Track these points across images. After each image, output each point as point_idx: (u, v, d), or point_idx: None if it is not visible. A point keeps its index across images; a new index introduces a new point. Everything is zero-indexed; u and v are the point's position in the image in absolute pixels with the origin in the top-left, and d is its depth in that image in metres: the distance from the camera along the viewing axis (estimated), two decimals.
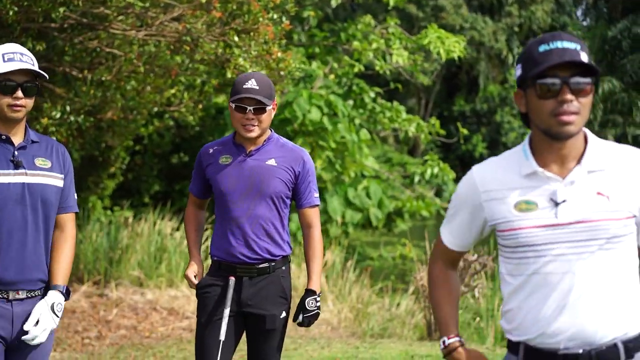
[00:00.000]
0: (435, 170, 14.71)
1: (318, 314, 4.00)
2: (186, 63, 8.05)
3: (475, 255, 9.23)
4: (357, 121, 14.56)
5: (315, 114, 12.92)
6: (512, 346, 2.62)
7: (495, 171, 2.64)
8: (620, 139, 38.52)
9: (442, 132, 15.73)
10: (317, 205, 4.09)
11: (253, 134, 3.92)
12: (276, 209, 3.97)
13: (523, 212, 2.54)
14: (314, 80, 14.48)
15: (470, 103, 38.49)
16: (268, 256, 3.97)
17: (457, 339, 2.72)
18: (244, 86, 3.87)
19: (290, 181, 3.99)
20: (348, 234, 14.37)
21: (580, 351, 2.48)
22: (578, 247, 2.48)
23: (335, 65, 14.96)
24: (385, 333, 9.45)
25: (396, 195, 17.25)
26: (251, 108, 3.86)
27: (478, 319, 9.53)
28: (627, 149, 2.58)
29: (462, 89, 38.74)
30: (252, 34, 7.25)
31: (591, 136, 2.59)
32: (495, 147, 38.18)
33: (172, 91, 9.05)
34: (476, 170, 2.68)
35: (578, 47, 2.47)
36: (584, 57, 2.44)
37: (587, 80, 2.44)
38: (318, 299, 3.97)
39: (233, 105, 3.91)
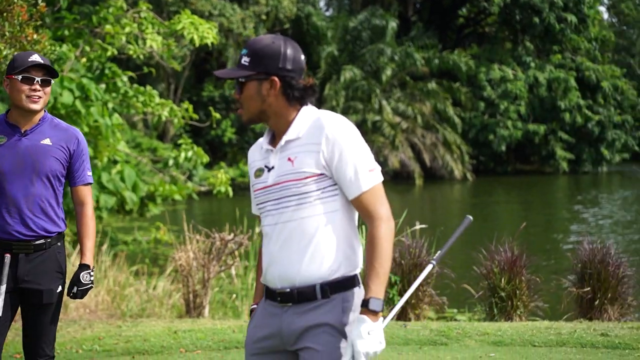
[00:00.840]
0: (190, 154, 14.95)
1: (91, 287, 4.17)
2: None
3: (232, 235, 9.62)
4: (110, 105, 14.46)
5: (67, 98, 12.68)
6: (265, 292, 3.19)
7: (254, 148, 3.23)
8: (361, 124, 40.76)
9: (196, 116, 16.00)
10: (91, 184, 4.24)
11: (38, 106, 4.05)
12: (52, 187, 4.09)
13: (256, 177, 3.13)
14: (64, 63, 14.19)
15: (219, 89, 38.97)
16: (44, 233, 4.09)
17: None
18: (30, 59, 4.02)
19: (65, 160, 4.12)
20: (102, 218, 14.26)
21: (288, 290, 3.01)
22: (277, 204, 3.03)
23: (88, 48, 14.75)
24: (144, 313, 9.60)
25: (147, 180, 17.30)
26: (39, 79, 4.03)
27: (234, 296, 9.94)
28: (321, 117, 3.02)
29: (211, 74, 39.08)
30: (5, 14, 7.12)
31: (306, 109, 3.06)
32: (244, 132, 39.00)
33: None
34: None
35: None
36: None
37: None
38: (92, 273, 4.15)
39: (19, 77, 4.01)
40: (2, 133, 4.09)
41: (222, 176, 15.35)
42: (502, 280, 8.61)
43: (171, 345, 6.85)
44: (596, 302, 8.65)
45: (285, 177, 2.99)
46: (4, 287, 3.95)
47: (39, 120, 4.13)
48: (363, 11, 44.44)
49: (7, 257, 4.00)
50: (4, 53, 7.01)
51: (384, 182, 3.02)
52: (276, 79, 3.00)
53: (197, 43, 14.50)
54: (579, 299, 8.82)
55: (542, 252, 14.78)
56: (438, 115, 42.97)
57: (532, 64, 46.09)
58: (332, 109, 40.41)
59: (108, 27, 14.65)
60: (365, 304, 2.89)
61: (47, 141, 4.10)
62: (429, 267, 3.54)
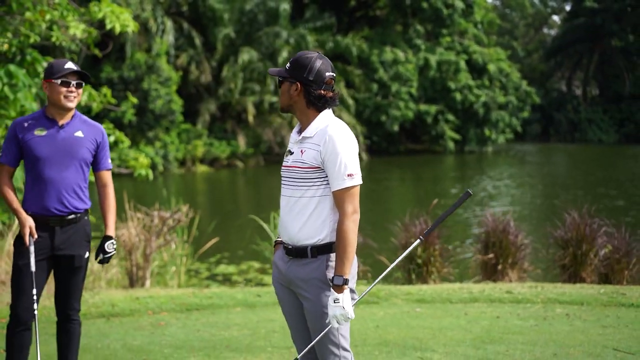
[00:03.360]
0: (112, 138, 15.47)
1: (114, 254, 5.04)
2: None
3: (169, 212, 10.43)
4: (33, 90, 14.86)
5: None
6: (276, 244, 4.22)
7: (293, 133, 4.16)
8: (259, 106, 41.62)
9: (114, 101, 16.55)
10: (111, 169, 5.10)
11: (73, 104, 4.91)
12: (82, 172, 4.94)
13: (285, 156, 4.10)
14: None
15: (118, 70, 39.01)
16: (75, 210, 4.94)
17: None
18: (66, 66, 4.89)
19: (93, 150, 4.98)
20: None
21: (290, 246, 4.01)
22: (291, 182, 4.02)
23: (10, 35, 15.06)
24: (88, 286, 10.31)
25: None
26: (74, 82, 4.88)
27: (174, 268, 10.77)
28: (328, 124, 3.98)
29: (109, 55, 39.04)
30: None
31: (324, 115, 4.01)
32: (143, 114, 39.15)
33: None
34: None
35: None
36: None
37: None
38: (114, 242, 5.02)
39: (58, 81, 4.83)
40: (42, 126, 4.90)
41: (142, 159, 15.98)
42: (419, 249, 9.74)
43: (139, 309, 7.70)
44: (499, 267, 9.90)
45: (296, 163, 3.97)
46: (32, 247, 4.75)
47: (72, 116, 4.95)
48: None
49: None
50: None
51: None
52: (299, 84, 3.94)
53: (118, 30, 15.04)
54: (484, 264, 10.05)
55: (451, 223, 16.02)
56: None
57: (423, 47, 47.88)
58: (230, 91, 41.14)
59: (29, 14, 15.02)
60: (331, 280, 3.88)
61: (79, 134, 4.96)
62: (416, 242, 4.45)
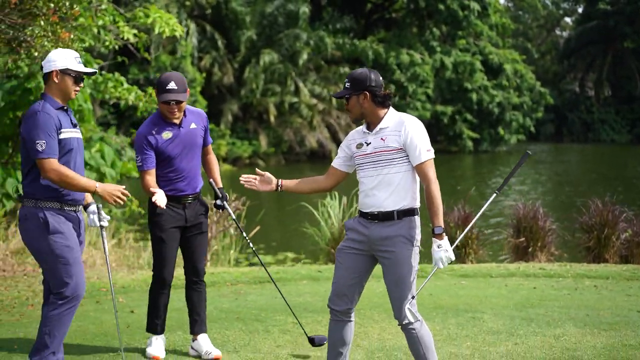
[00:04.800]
0: None
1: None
2: None
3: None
4: (88, 90, 15.96)
5: None
6: (359, 212, 5.20)
7: (354, 132, 5.24)
8: (279, 106, 42.70)
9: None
10: (212, 142, 6.24)
11: (176, 119, 5.90)
12: (199, 155, 6.01)
13: (357, 149, 5.14)
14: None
15: (144, 72, 40.12)
16: (198, 189, 6.05)
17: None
18: (167, 87, 5.76)
19: (203, 132, 6.08)
20: None
21: (376, 212, 5.00)
22: (373, 164, 5.04)
23: (91, 40, 16.13)
24: None
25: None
26: (173, 102, 5.80)
27: (231, 251, 11.84)
28: (401, 116, 5.08)
29: (135, 57, 40.13)
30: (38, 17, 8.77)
31: (391, 112, 5.08)
32: None
33: None
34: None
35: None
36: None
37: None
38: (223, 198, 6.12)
39: (161, 100, 5.81)
40: (167, 129, 5.89)
41: None
42: (457, 232, 10.77)
43: (218, 281, 8.93)
44: (529, 249, 10.93)
45: (379, 149, 5.01)
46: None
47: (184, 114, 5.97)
48: None
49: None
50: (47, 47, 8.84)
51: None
52: (366, 92, 5.02)
53: (167, 35, 16.13)
54: (515, 247, 11.08)
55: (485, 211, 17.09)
56: None
57: (439, 49, 48.91)
58: (252, 91, 42.23)
59: (82, 19, 16.11)
60: (433, 231, 4.92)
61: (193, 125, 6.00)
62: (492, 196, 5.53)
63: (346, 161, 5.24)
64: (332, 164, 5.32)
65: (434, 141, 51.30)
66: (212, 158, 6.26)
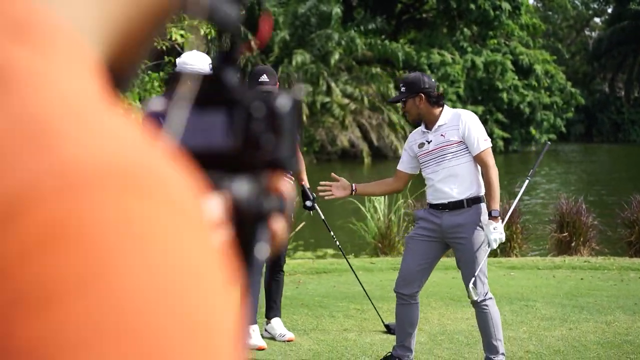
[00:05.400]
0: None
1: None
2: None
3: None
4: (136, 90, 16.43)
5: None
6: (428, 205, 5.55)
7: (414, 133, 5.66)
8: (311, 106, 43.13)
9: None
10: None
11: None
12: None
13: (420, 148, 5.53)
14: None
15: None
16: None
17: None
18: (260, 80, 5.98)
19: None
20: None
21: (446, 202, 5.39)
22: (438, 159, 5.43)
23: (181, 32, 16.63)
24: None
25: None
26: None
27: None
28: (456, 111, 5.55)
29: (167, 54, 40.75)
30: None
31: (445, 109, 5.49)
32: None
33: None
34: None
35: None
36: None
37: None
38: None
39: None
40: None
41: None
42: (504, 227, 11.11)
43: None
44: (572, 244, 11.25)
45: (441, 144, 5.41)
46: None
47: None
48: None
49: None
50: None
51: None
52: (422, 94, 5.38)
53: (213, 34, 16.58)
54: (559, 242, 11.41)
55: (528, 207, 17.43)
56: (382, 97, 45.52)
57: (469, 49, 49.14)
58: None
59: None
60: (489, 214, 5.30)
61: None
62: (526, 182, 5.99)
63: (410, 163, 5.65)
64: (397, 167, 5.74)
65: None
66: (298, 156, 6.55)
